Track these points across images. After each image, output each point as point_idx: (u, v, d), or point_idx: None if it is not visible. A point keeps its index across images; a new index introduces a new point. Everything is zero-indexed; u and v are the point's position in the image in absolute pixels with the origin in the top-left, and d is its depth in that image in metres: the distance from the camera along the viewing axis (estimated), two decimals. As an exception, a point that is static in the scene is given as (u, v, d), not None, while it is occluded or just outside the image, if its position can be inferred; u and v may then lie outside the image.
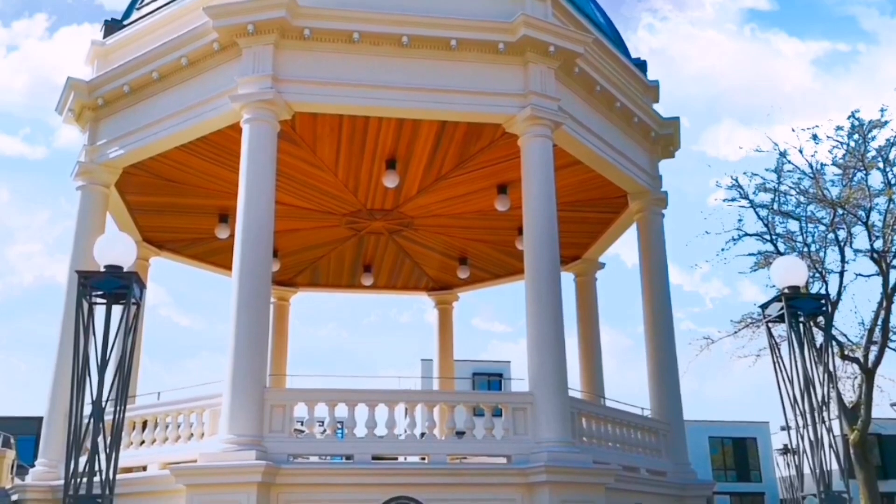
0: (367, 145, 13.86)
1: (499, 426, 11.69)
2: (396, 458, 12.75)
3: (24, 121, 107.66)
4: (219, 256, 17.31)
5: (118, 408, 6.38)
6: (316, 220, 16.67)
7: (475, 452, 12.18)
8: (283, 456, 10.72)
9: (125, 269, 6.39)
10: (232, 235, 13.46)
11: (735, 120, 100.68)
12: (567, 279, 17.76)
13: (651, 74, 16.05)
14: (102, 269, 6.41)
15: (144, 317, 14.15)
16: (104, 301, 6.38)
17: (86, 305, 6.30)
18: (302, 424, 11.24)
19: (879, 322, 25.43)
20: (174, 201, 15.42)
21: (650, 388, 14.70)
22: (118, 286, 6.32)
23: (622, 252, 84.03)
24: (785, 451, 27.21)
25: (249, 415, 10.65)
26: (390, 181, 14.53)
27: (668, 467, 13.84)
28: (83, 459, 6.09)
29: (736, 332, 27.02)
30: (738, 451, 53.20)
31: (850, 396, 26.74)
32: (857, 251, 26.20)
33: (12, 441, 19.70)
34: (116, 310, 6.54)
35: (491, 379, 47.09)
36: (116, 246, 6.43)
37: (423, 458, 12.02)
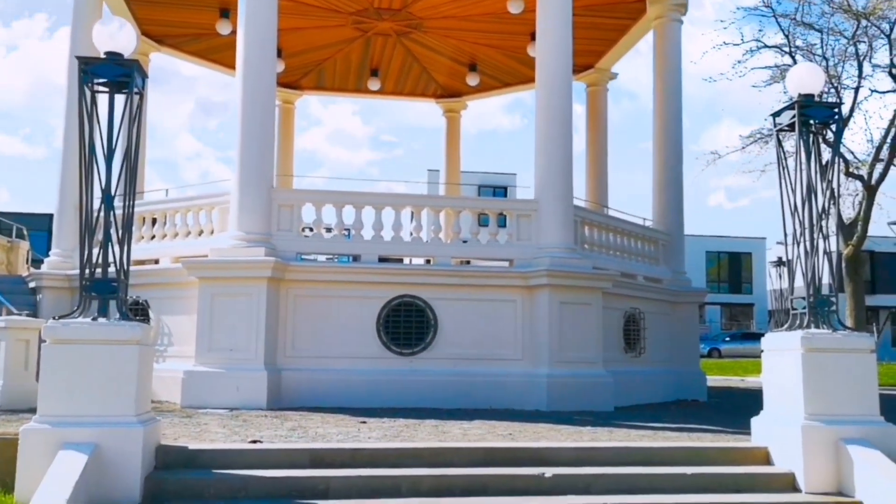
0: (375, -65, 13.05)
1: (503, 234, 11.95)
2: (402, 260, 13.15)
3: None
4: (221, 54, 16.84)
5: (127, 199, 6.46)
6: (321, 18, 16.05)
7: (479, 256, 12.54)
8: (291, 254, 11.04)
9: (126, 57, 6.23)
10: (234, 31, 13.05)
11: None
12: (578, 90, 17.41)
13: None
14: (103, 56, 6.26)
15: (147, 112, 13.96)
16: (106, 90, 6.27)
17: (88, 93, 6.20)
18: (311, 231, 11.48)
19: (889, 139, 25.22)
20: (171, -10, 14.80)
21: (654, 200, 14.84)
22: (120, 73, 6.19)
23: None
24: (779, 263, 27.85)
25: (257, 213, 10.86)
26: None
27: (664, 275, 14.27)
28: (96, 250, 6.25)
29: (744, 148, 26.84)
30: (733, 265, 54.71)
31: (848, 213, 27.06)
32: (875, 66, 25.53)
33: (25, 233, 20.21)
34: (118, 103, 6.45)
35: (497, 190, 47.50)
36: (115, 32, 6.21)
37: (428, 261, 12.39)
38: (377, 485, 6.42)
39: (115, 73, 6.22)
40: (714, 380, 18.64)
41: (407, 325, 11.07)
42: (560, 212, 11.55)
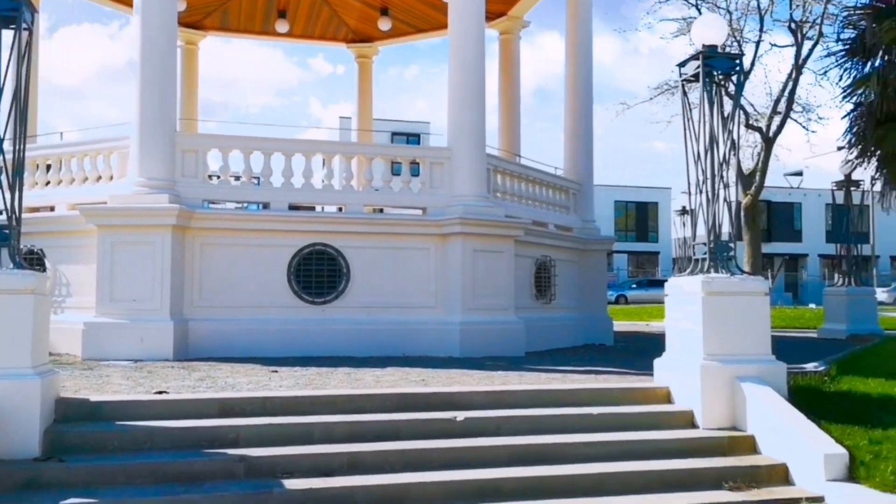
0: None
1: (416, 182, 11.89)
2: (314, 208, 12.95)
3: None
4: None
5: (17, 143, 6.07)
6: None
7: (392, 204, 12.46)
8: (197, 201, 10.70)
9: (12, -11, 5.79)
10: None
11: None
12: (491, 39, 17.31)
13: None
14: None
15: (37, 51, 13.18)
16: (-8, 25, 5.83)
17: (-31, 26, 5.75)
18: (219, 178, 11.12)
19: (786, 93, 26.24)
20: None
21: (565, 149, 15.01)
22: (7, 7, 5.75)
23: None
24: (683, 212, 28.74)
25: (160, 158, 10.44)
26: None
27: (574, 223, 14.54)
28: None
29: (651, 99, 27.44)
30: (640, 215, 56.30)
31: (748, 164, 28.17)
32: (776, 21, 26.44)
33: None
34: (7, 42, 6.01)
35: (410, 138, 47.19)
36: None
37: (341, 209, 12.24)
38: (290, 433, 6.39)
39: (2, 8, 5.78)
40: (621, 325, 19.26)
41: (319, 273, 10.96)
42: (473, 160, 11.56)
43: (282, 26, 18.57)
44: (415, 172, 11.96)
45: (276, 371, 8.74)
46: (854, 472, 6.10)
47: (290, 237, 10.93)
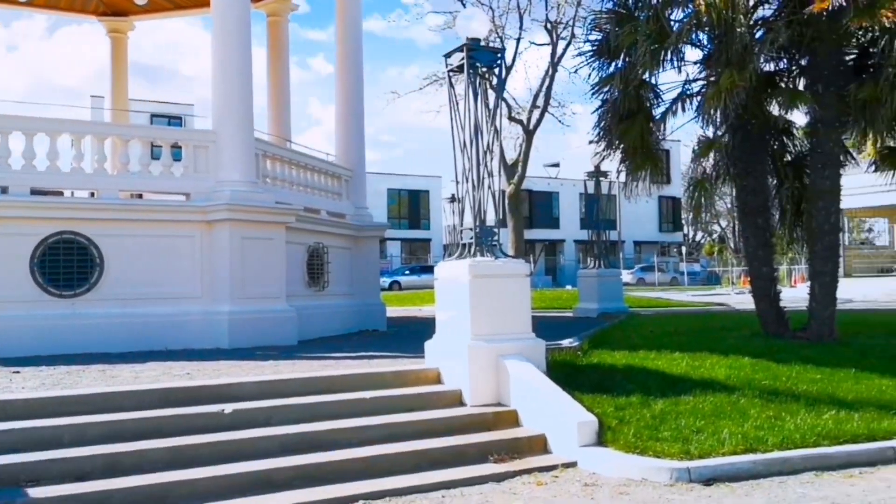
0: None
1: (178, 167, 11.26)
2: (62, 193, 11.84)
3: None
4: None
5: None
6: None
7: (152, 189, 11.72)
8: (-83, 184, 9.38)
9: None
10: None
11: None
12: (259, 21, 16.81)
13: None
14: None
15: None
16: None
17: None
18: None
19: (544, 88, 28.07)
20: None
21: (336, 135, 14.96)
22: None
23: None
24: (452, 199, 29.79)
25: None
26: None
27: (347, 210, 14.54)
28: None
29: (421, 89, 28.14)
30: (413, 202, 57.61)
31: (511, 155, 29.82)
32: (534, 20, 28.20)
33: None
34: None
35: (172, 121, 44.66)
36: None
37: (93, 194, 11.28)
38: (35, 437, 5.83)
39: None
40: (394, 310, 19.60)
41: (67, 264, 10.04)
42: (240, 144, 11.15)
43: (21, -8, 16.77)
44: (177, 157, 11.31)
45: (17, 372, 7.90)
46: (603, 437, 6.66)
47: (34, 224, 9.91)
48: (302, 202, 12.71)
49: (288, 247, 11.67)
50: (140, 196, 12.41)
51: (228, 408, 6.61)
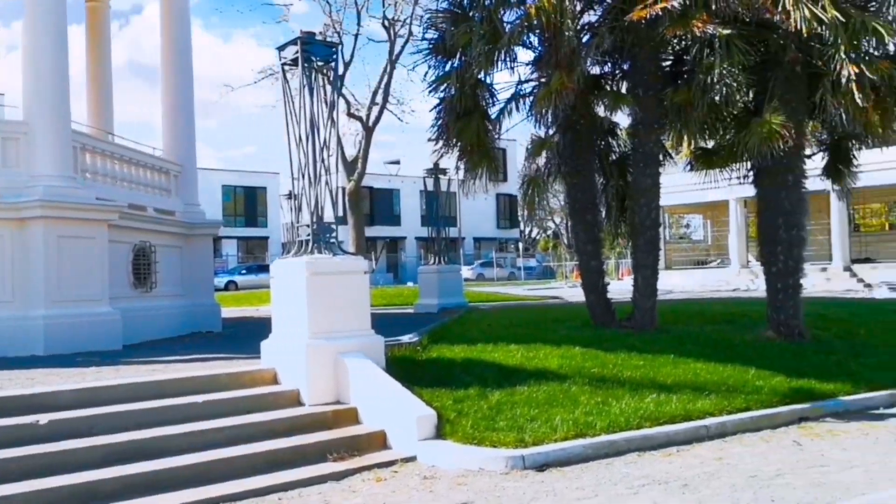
0: None
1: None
2: None
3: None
4: None
5: None
6: None
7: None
8: None
9: None
10: None
11: None
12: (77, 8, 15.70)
13: None
14: None
15: None
16: None
17: None
18: None
19: (383, 85, 28.12)
20: None
21: (163, 129, 14.25)
22: None
23: None
24: (289, 196, 29.19)
25: None
26: None
27: (177, 207, 13.88)
28: None
29: (256, 83, 27.42)
30: (249, 200, 55.97)
31: (351, 152, 29.66)
32: (372, 16, 28.22)
33: None
34: None
35: (-20, 111, 40.89)
36: None
37: None
38: None
39: None
40: (230, 311, 18.96)
41: None
42: (55, 136, 10.37)
43: None
44: (-16, 150, 10.36)
45: None
46: (442, 430, 6.74)
47: None
48: (126, 199, 11.99)
49: (111, 246, 10.97)
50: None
51: (44, 418, 6.12)
